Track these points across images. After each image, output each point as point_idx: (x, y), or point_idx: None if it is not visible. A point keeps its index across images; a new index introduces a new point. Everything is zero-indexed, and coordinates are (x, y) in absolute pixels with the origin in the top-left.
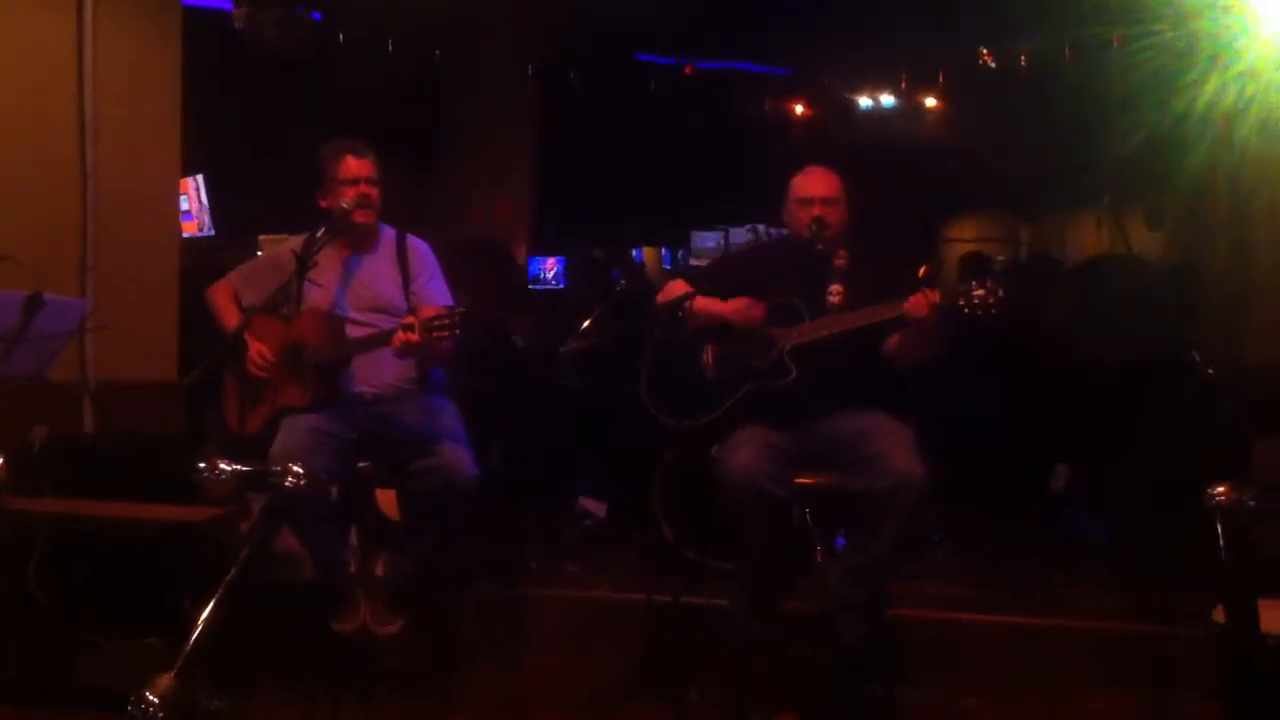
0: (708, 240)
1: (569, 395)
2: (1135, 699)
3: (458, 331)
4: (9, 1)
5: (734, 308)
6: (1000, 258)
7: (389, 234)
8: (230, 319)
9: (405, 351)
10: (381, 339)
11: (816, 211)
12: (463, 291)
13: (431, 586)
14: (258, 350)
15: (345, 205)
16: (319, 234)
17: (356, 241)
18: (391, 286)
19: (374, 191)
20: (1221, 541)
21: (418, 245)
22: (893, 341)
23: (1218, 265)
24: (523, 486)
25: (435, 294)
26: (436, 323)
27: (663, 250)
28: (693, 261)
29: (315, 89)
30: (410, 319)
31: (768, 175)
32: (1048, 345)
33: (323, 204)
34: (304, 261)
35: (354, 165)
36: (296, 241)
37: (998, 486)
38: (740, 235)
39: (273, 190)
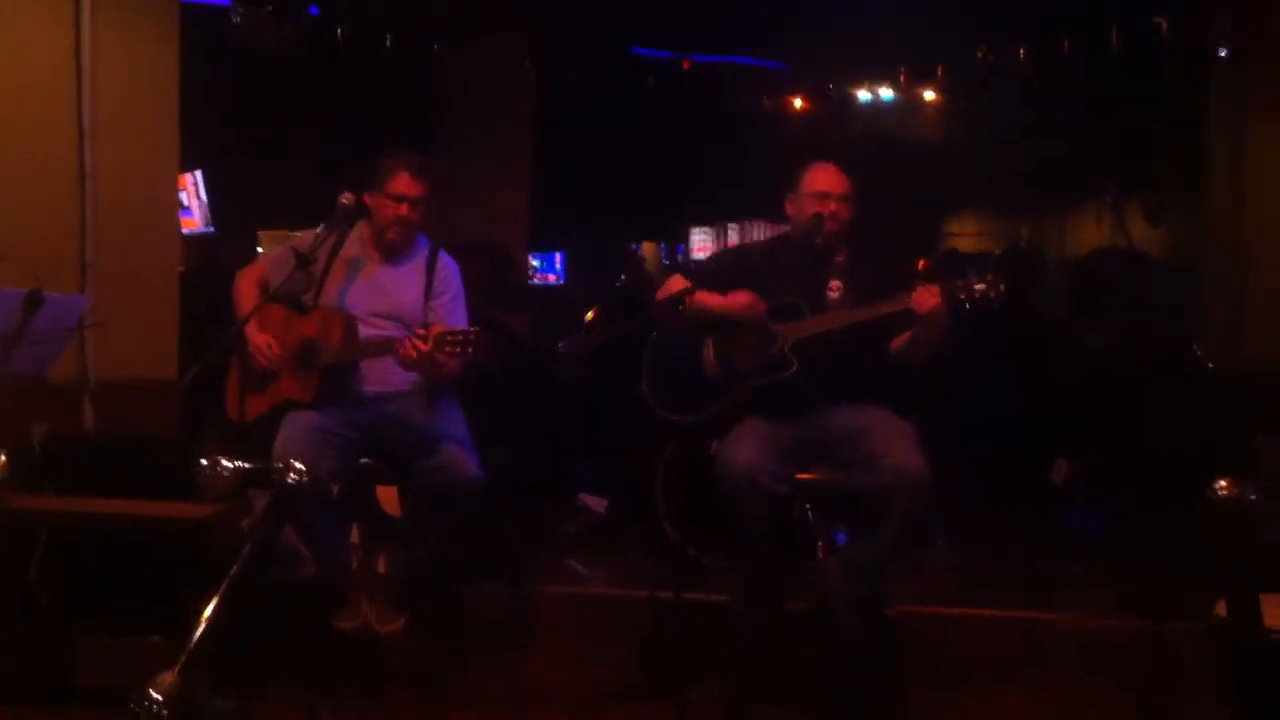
0: (706, 235)
1: (570, 391)
2: (1134, 695)
3: (470, 351)
4: (7, 3)
5: (736, 301)
6: (995, 251)
7: (423, 246)
8: (245, 305)
9: (409, 364)
10: (394, 345)
11: (832, 207)
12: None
13: (433, 584)
14: (265, 341)
15: (346, 201)
16: (319, 230)
17: (386, 247)
18: (412, 298)
19: (416, 215)
20: (1224, 537)
21: (448, 264)
22: (900, 339)
23: (1216, 261)
24: (524, 483)
25: (453, 315)
26: (450, 339)
27: (661, 245)
28: (693, 256)
29: (313, 84)
30: (421, 330)
31: (765, 170)
32: (1047, 340)
33: (365, 200)
34: (305, 258)
35: (406, 184)
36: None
37: (997, 482)
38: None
39: (272, 186)
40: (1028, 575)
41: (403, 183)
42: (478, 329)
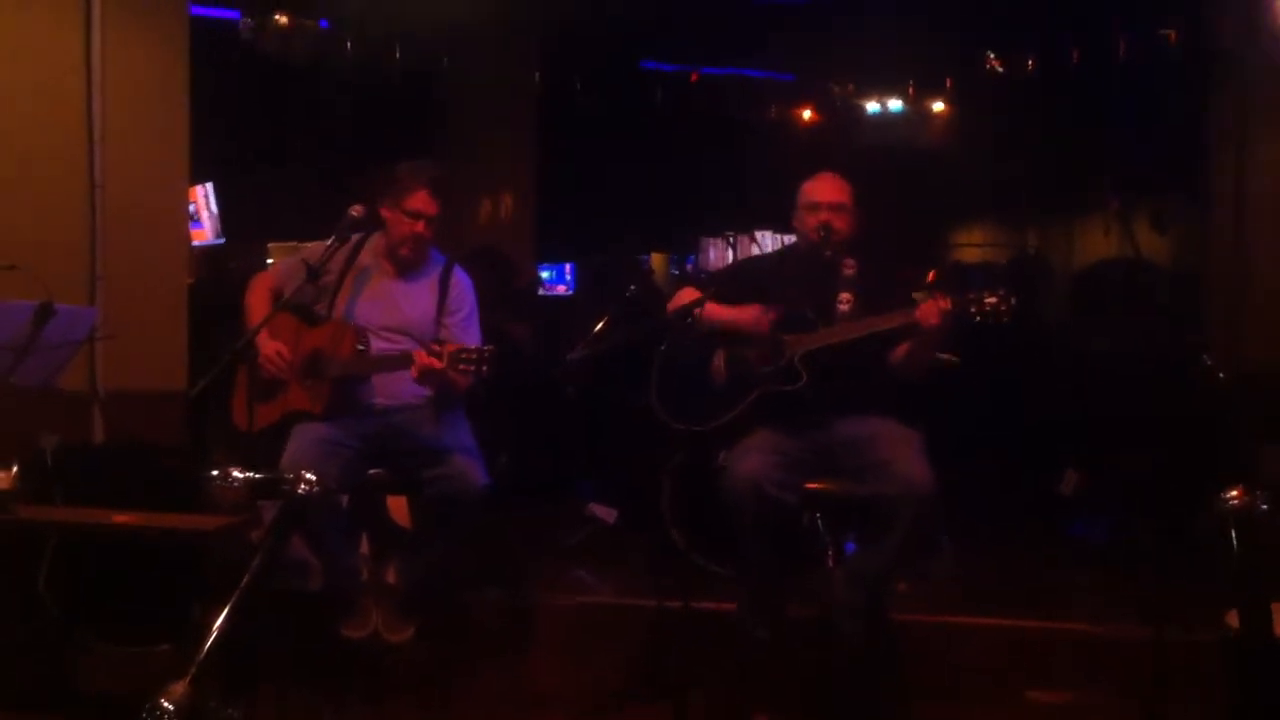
0: (720, 246)
1: (577, 401)
2: (1138, 702)
3: (484, 370)
4: (17, 12)
5: (745, 315)
6: (1002, 262)
7: (438, 261)
8: (255, 315)
9: (424, 379)
10: (406, 361)
11: (824, 217)
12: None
13: (438, 591)
14: (275, 349)
15: (355, 213)
16: (329, 241)
17: (400, 262)
18: (423, 313)
19: (431, 233)
20: (1234, 546)
21: (462, 280)
22: (899, 351)
23: (1217, 263)
24: (526, 487)
25: (467, 334)
26: (464, 356)
27: (671, 256)
28: (709, 266)
29: (322, 96)
30: (436, 346)
31: (773, 180)
32: (1052, 349)
33: (382, 213)
34: (315, 270)
35: (424, 202)
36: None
37: (1002, 491)
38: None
39: (282, 198)
40: (1031, 584)
41: (420, 200)
42: (492, 347)
